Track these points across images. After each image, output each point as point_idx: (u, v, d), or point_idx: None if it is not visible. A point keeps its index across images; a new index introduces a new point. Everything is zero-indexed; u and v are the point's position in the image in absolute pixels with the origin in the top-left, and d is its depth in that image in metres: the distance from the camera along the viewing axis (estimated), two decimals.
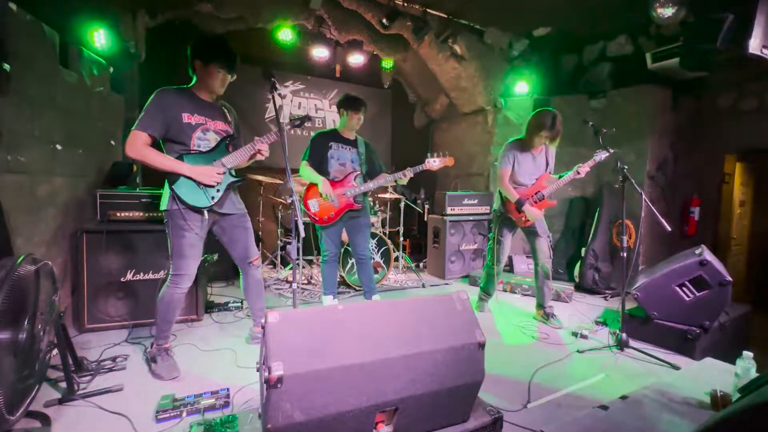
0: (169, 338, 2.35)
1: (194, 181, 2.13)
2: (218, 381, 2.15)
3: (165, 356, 2.27)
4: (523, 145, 3.12)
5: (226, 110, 2.38)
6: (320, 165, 3.02)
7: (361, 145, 3.18)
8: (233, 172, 2.31)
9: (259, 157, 2.36)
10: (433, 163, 3.03)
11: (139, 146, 2.04)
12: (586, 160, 3.00)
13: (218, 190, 2.21)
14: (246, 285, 2.52)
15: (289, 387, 1.22)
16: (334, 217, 2.98)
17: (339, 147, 3.07)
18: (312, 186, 3.00)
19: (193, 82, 2.25)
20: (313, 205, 2.98)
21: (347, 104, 3.04)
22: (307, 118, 2.53)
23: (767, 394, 0.84)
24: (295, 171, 3.19)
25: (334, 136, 3.11)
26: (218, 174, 2.18)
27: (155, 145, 2.12)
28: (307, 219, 4.57)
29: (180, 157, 2.14)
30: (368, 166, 3.17)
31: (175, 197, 2.11)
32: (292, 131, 5.42)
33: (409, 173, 2.99)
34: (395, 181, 3.05)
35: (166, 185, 2.13)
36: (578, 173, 2.95)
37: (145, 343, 2.61)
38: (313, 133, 3.13)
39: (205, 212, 2.18)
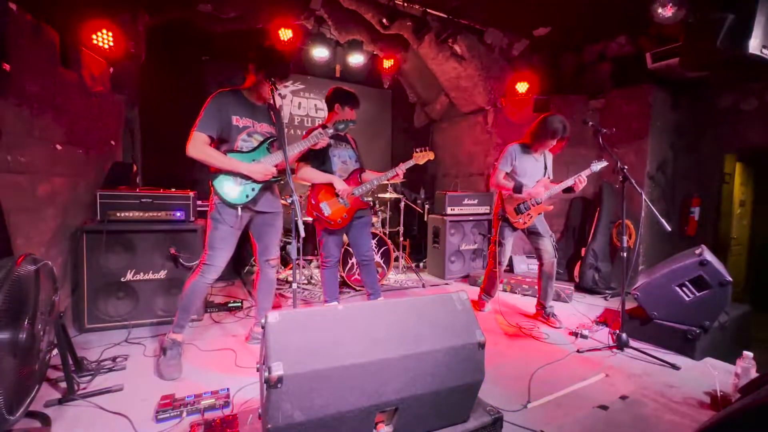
0: (185, 330, 2.38)
1: (245, 177, 2.25)
2: (218, 381, 2.15)
3: (173, 353, 2.30)
4: (526, 148, 3.13)
5: (272, 113, 2.46)
6: (322, 166, 2.84)
7: (352, 141, 3.07)
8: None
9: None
10: (419, 157, 2.90)
11: (200, 146, 2.16)
12: (586, 160, 3.02)
13: (253, 189, 2.30)
14: (259, 282, 2.58)
15: (289, 387, 1.22)
16: (347, 218, 2.83)
17: (337, 144, 2.93)
18: (319, 188, 2.83)
19: (245, 81, 2.35)
20: (326, 208, 2.79)
21: (344, 99, 2.86)
22: (353, 122, 2.57)
23: (767, 394, 0.84)
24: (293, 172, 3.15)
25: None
26: (269, 171, 2.28)
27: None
28: (308, 219, 4.57)
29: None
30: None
31: (215, 191, 2.24)
32: (292, 131, 5.43)
33: (402, 167, 2.84)
34: (388, 179, 2.93)
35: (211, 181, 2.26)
36: (580, 181, 2.96)
37: (144, 343, 2.62)
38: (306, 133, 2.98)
39: (239, 208, 2.27)
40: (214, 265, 2.29)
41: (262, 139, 2.36)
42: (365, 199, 2.98)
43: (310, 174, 2.81)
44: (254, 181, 2.28)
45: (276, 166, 2.35)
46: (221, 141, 2.28)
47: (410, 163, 2.91)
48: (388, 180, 2.96)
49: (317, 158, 2.84)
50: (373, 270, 3.06)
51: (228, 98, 2.27)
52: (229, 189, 2.25)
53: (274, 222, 2.51)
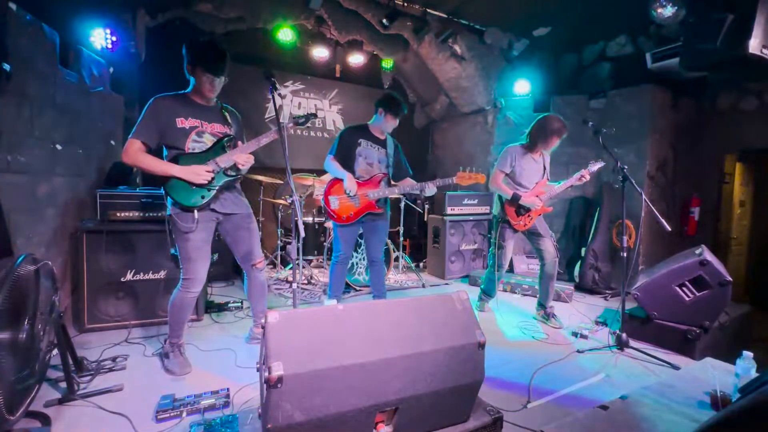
0: (182, 336, 2.37)
1: (186, 181, 2.13)
2: (218, 381, 2.15)
3: (177, 353, 2.31)
4: (526, 149, 3.13)
5: (227, 113, 2.35)
6: (346, 162, 2.87)
7: (390, 146, 3.05)
8: (230, 172, 2.28)
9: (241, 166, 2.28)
10: (463, 178, 2.82)
11: (132, 152, 2.08)
12: (585, 159, 3.03)
13: (209, 189, 2.20)
14: (249, 287, 2.53)
15: (289, 387, 1.22)
16: (353, 217, 2.84)
17: (368, 145, 2.93)
18: (335, 182, 2.87)
19: (190, 85, 2.25)
20: (334, 202, 2.85)
21: (388, 106, 2.88)
22: (313, 115, 2.49)
23: (767, 394, 0.84)
24: (299, 170, 3.15)
25: (365, 132, 2.95)
26: (207, 172, 2.16)
27: (156, 149, 2.16)
28: (308, 219, 4.57)
29: (175, 159, 2.16)
30: (395, 168, 3.04)
31: (170, 198, 2.15)
32: (293, 131, 5.42)
33: (438, 183, 2.84)
34: (420, 191, 2.87)
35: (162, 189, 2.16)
36: (580, 179, 2.99)
37: (144, 343, 2.62)
38: (342, 127, 2.92)
39: (195, 212, 2.16)
40: (195, 277, 2.22)
41: (214, 139, 2.25)
42: (380, 204, 2.91)
43: (329, 166, 2.89)
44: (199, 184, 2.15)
45: (234, 165, 2.24)
46: (169, 146, 2.18)
47: (448, 181, 2.85)
48: (419, 191, 2.85)
49: (343, 154, 2.89)
50: (378, 271, 3.04)
51: (167, 102, 2.17)
52: (183, 192, 2.14)
53: (246, 224, 2.40)
